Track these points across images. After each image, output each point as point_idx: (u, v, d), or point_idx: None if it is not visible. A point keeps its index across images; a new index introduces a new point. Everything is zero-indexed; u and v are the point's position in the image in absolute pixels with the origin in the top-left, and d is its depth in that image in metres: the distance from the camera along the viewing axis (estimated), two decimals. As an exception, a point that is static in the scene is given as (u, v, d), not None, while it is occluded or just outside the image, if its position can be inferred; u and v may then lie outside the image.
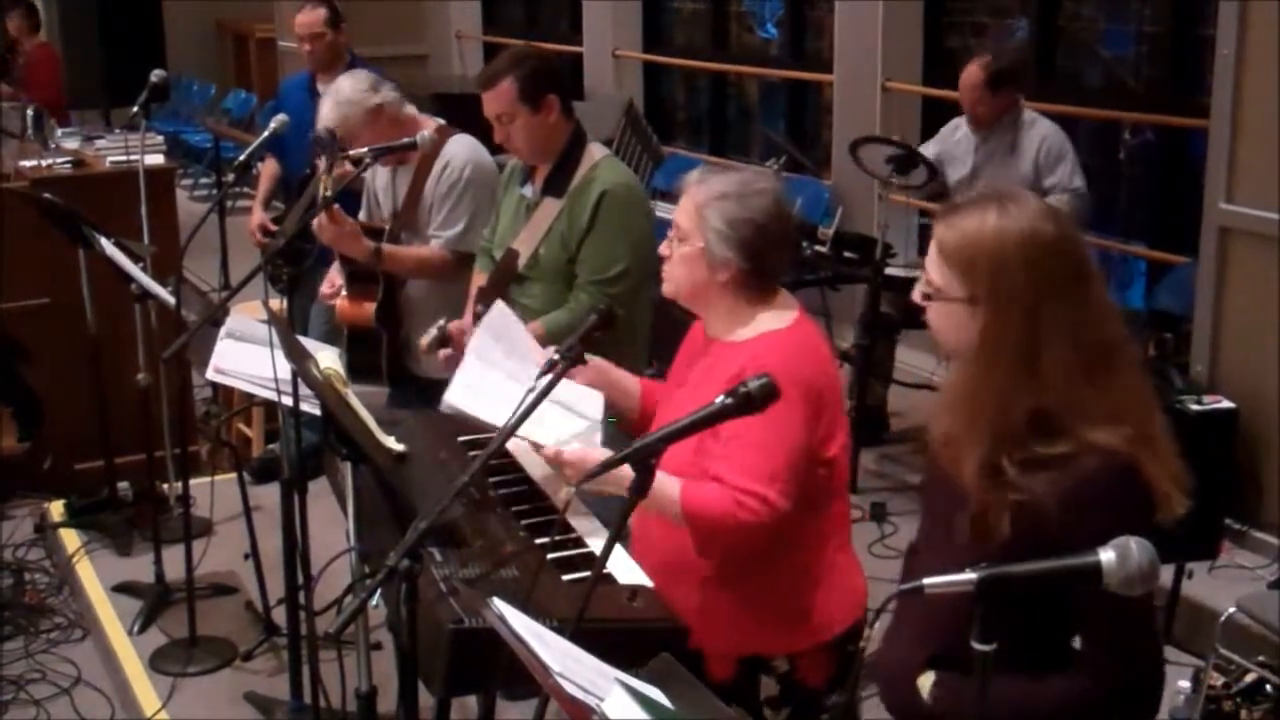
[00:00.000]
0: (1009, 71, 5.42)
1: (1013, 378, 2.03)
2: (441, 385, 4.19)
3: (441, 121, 4.39)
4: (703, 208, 2.65)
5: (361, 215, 4.45)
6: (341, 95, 4.24)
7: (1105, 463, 2.01)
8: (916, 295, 2.16)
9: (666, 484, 2.56)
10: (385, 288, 4.24)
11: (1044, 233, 2.05)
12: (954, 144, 5.65)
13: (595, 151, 3.73)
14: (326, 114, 4.24)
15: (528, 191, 3.78)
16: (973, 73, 5.40)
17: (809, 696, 2.67)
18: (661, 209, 7.72)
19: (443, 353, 3.65)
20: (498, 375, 2.87)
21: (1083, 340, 2.03)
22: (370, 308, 4.26)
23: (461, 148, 4.23)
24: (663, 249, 2.75)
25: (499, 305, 3.01)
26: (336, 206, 4.08)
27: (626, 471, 2.51)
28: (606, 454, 2.63)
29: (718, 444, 2.57)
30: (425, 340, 3.62)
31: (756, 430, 2.50)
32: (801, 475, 2.56)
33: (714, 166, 2.84)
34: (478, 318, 3.79)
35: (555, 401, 2.69)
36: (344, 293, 4.33)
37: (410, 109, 4.37)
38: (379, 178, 4.41)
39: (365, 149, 4.09)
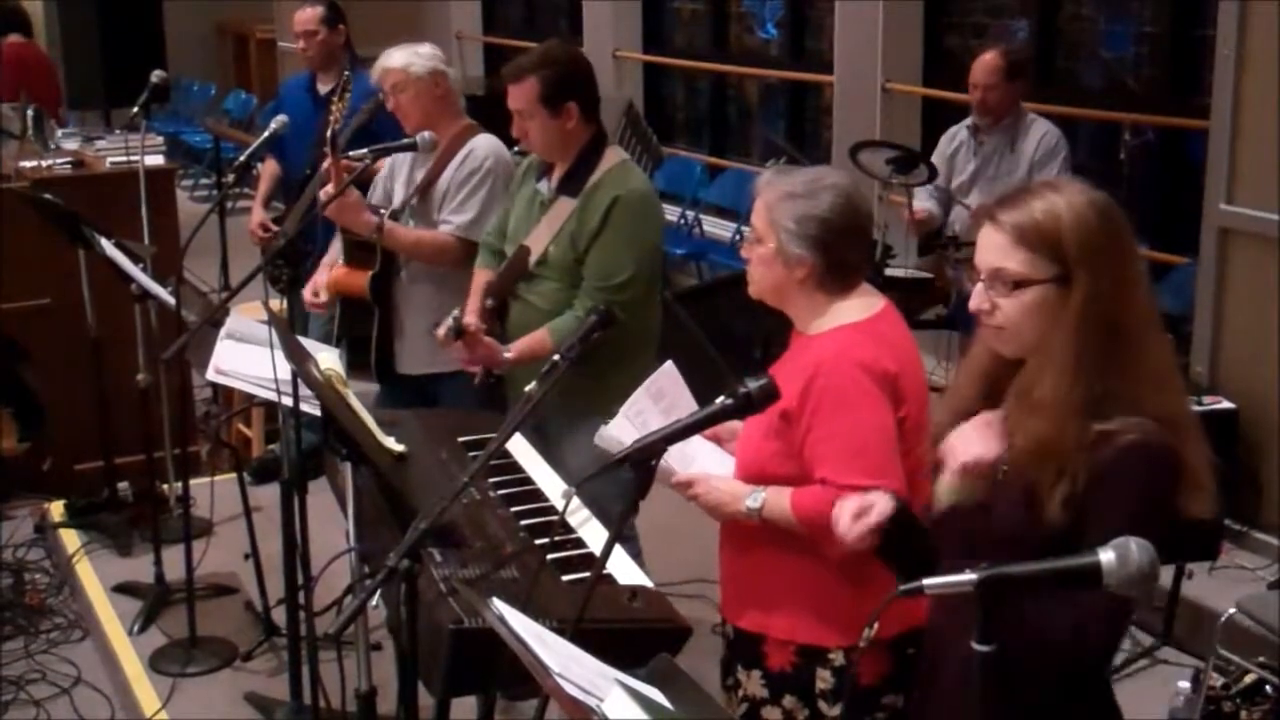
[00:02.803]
0: (1025, 64, 5.46)
1: (1104, 350, 2.04)
2: (429, 383, 4.24)
3: (473, 121, 4.39)
4: (772, 208, 2.66)
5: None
6: (418, 48, 4.26)
7: (1140, 439, 2.02)
8: (982, 301, 2.11)
9: (778, 497, 2.61)
10: (383, 259, 4.24)
11: (1104, 200, 2.09)
12: (952, 153, 5.66)
13: (613, 155, 3.71)
14: (394, 56, 4.23)
15: (543, 187, 3.76)
16: (990, 59, 5.40)
17: (862, 694, 2.67)
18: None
19: (456, 346, 3.60)
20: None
21: (1147, 302, 2.09)
22: (365, 277, 4.26)
23: (487, 141, 4.25)
24: (743, 252, 2.77)
25: (670, 367, 2.90)
26: (344, 175, 4.08)
27: (736, 488, 2.64)
28: (728, 481, 2.70)
29: (806, 447, 2.59)
30: (442, 331, 3.57)
31: (846, 425, 2.56)
32: (899, 454, 2.58)
33: (784, 166, 2.86)
34: (487, 312, 3.77)
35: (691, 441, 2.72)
36: (340, 260, 4.33)
37: (461, 103, 4.40)
38: (400, 168, 4.42)
39: (365, 150, 4.11)
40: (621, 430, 2.73)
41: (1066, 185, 2.12)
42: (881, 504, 2.26)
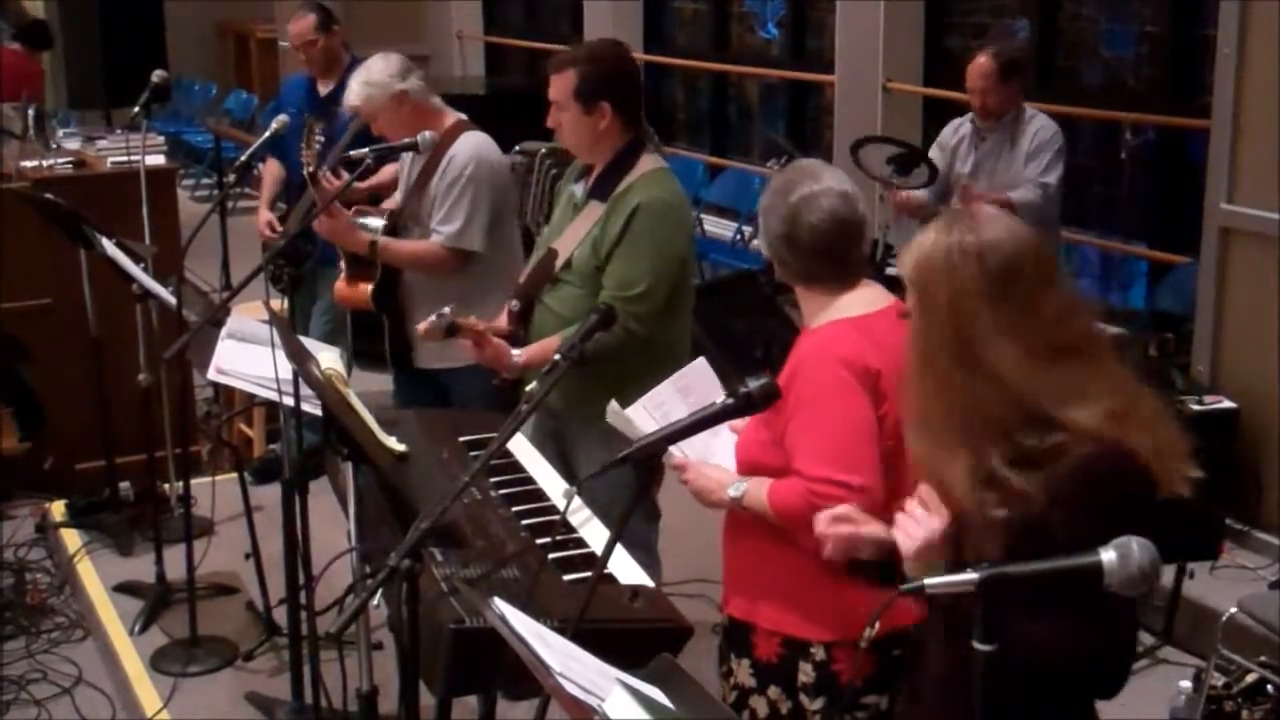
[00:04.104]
0: (1019, 62, 5.47)
1: (952, 378, 2.07)
2: (441, 375, 4.25)
3: (463, 116, 4.40)
4: (763, 196, 2.76)
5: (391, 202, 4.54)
6: (369, 75, 4.27)
7: (1095, 449, 2.01)
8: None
9: (758, 488, 2.64)
10: (383, 270, 4.28)
11: (976, 243, 2.08)
12: (954, 145, 5.67)
13: (649, 162, 3.62)
14: (353, 91, 4.29)
15: (578, 189, 3.70)
16: (983, 63, 5.43)
17: (842, 691, 2.68)
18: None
19: (463, 342, 3.57)
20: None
21: (1033, 341, 2.06)
22: (367, 289, 4.30)
23: (468, 145, 4.22)
24: None
25: (702, 363, 2.92)
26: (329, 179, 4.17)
27: (723, 476, 2.68)
28: (718, 469, 2.74)
29: (786, 438, 2.62)
30: (424, 326, 3.52)
31: (820, 417, 2.59)
32: (878, 451, 2.60)
33: (807, 164, 2.85)
34: (512, 315, 3.73)
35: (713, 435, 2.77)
36: (343, 274, 4.40)
37: (436, 100, 4.38)
38: (406, 169, 4.43)
39: (366, 149, 4.12)
40: (639, 419, 2.74)
41: (968, 222, 2.12)
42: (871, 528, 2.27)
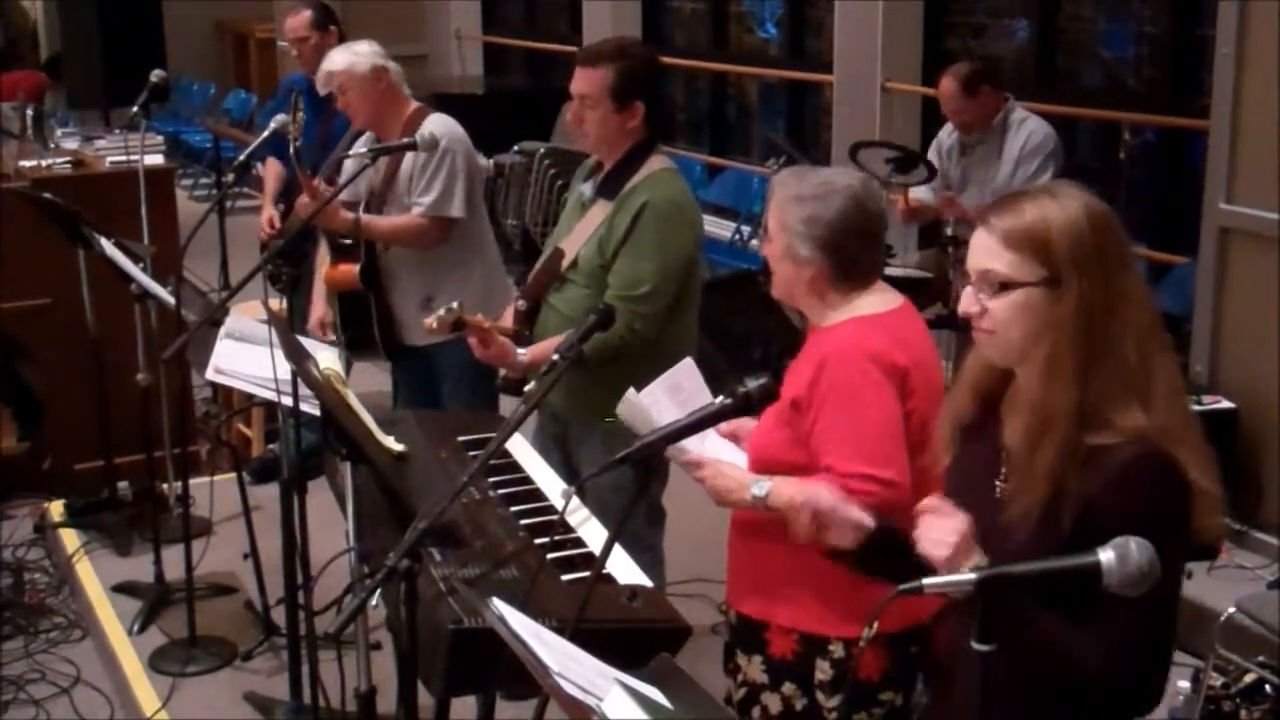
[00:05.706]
0: (982, 73, 5.48)
1: (1096, 360, 2.03)
2: (427, 351, 4.32)
3: (421, 104, 4.53)
4: (783, 209, 2.71)
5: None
6: (356, 48, 4.41)
7: (1142, 451, 2.00)
8: (970, 303, 2.10)
9: (784, 486, 2.62)
10: (367, 250, 4.38)
11: (1100, 210, 2.08)
12: (945, 150, 5.68)
13: (656, 162, 3.60)
14: (335, 58, 4.40)
15: (586, 188, 3.68)
16: (946, 84, 5.48)
17: (859, 687, 2.67)
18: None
19: (469, 339, 3.54)
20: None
21: (1143, 315, 2.06)
22: (351, 269, 4.39)
23: (437, 122, 4.33)
24: (763, 248, 2.80)
25: (689, 363, 2.92)
26: (317, 181, 4.25)
27: (743, 476, 2.66)
28: (737, 468, 2.72)
29: (813, 435, 2.62)
30: (433, 320, 3.45)
31: (852, 414, 2.58)
32: (906, 446, 2.60)
33: (801, 167, 2.87)
34: (519, 314, 3.72)
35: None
36: (328, 260, 4.46)
37: (406, 91, 4.51)
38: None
39: (365, 149, 4.15)
40: (650, 408, 2.75)
41: (1064, 192, 2.10)
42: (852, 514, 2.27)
